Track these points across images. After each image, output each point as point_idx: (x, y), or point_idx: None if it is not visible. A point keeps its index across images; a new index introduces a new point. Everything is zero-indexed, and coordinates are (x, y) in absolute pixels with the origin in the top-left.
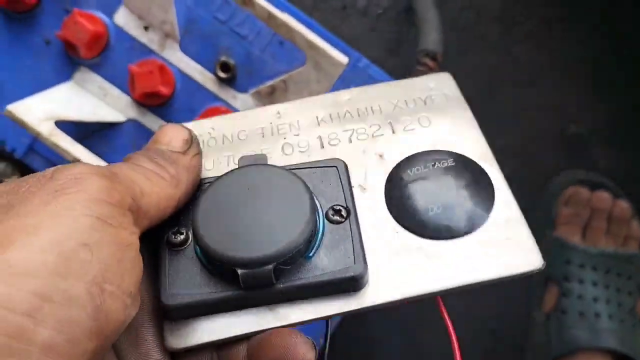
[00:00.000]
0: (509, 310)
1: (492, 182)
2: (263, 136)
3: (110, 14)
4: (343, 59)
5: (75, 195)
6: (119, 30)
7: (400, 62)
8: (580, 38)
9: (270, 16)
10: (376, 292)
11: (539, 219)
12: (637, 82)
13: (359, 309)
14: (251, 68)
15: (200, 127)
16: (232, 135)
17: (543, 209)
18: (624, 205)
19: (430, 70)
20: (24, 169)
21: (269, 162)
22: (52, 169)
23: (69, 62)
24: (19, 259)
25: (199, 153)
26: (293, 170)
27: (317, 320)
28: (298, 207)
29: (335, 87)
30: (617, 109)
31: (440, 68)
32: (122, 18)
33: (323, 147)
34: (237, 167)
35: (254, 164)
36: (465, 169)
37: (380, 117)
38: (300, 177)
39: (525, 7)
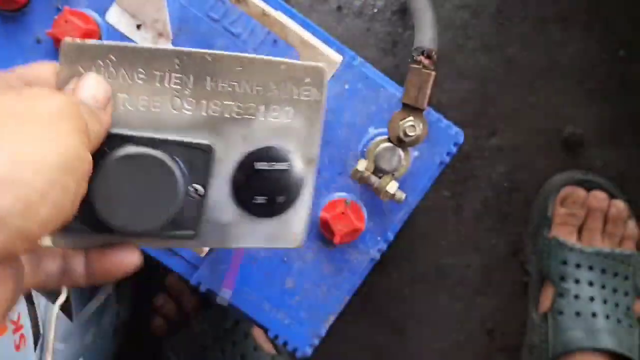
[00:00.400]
0: (506, 311)
1: (304, 182)
2: (158, 84)
3: (102, 12)
4: (337, 56)
5: (74, 122)
6: (111, 29)
7: (396, 62)
8: (576, 38)
9: (264, 14)
10: (200, 242)
11: (535, 219)
12: (633, 82)
13: (182, 247)
14: None
15: (102, 51)
16: (131, 74)
17: (539, 209)
18: (620, 205)
19: (424, 67)
20: None
21: (160, 118)
22: (52, 91)
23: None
24: (41, 156)
25: (111, 111)
26: (176, 145)
27: (153, 247)
28: (171, 192)
29: (330, 86)
30: (613, 109)
31: (435, 67)
32: (114, 16)
33: (205, 113)
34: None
35: (146, 148)
36: (290, 173)
37: (259, 98)
38: (177, 164)
39: (521, 7)
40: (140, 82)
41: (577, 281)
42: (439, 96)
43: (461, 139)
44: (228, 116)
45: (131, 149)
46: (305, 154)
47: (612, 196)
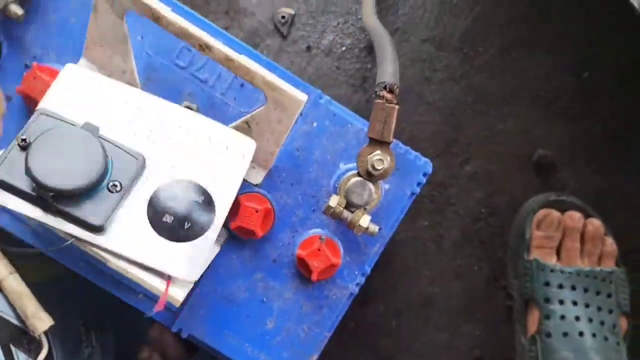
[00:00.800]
0: (492, 337)
1: (211, 224)
2: (121, 113)
3: None
4: (302, 96)
5: None
6: None
7: (366, 97)
8: (540, 63)
9: (228, 59)
10: (107, 241)
11: (514, 243)
12: (598, 103)
13: (87, 242)
14: (214, 112)
15: (93, 79)
16: (104, 99)
17: (517, 233)
18: (596, 223)
19: (387, 102)
20: None
21: (111, 127)
22: None
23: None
24: None
25: None
26: (112, 145)
27: (64, 229)
28: (94, 172)
29: (298, 125)
30: (581, 129)
31: (401, 100)
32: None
33: (147, 139)
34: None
35: (87, 129)
36: (207, 206)
37: (195, 143)
38: (109, 156)
39: (483, 37)
40: (107, 106)
41: (561, 302)
42: (410, 129)
43: (430, 169)
44: (165, 146)
45: (72, 128)
46: (220, 203)
47: (587, 215)
